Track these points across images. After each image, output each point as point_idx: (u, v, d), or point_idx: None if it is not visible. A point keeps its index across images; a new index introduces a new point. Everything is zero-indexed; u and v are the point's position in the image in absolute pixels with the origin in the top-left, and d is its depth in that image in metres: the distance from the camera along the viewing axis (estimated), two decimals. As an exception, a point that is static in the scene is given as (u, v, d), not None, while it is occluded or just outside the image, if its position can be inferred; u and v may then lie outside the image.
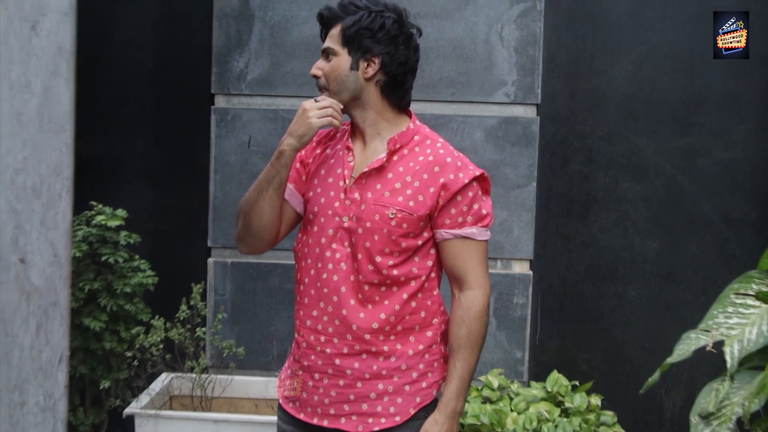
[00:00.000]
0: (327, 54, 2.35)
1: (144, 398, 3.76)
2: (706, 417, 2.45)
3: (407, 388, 2.35)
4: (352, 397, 2.34)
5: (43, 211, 1.67)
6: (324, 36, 2.38)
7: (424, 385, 2.37)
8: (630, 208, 4.45)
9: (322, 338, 2.35)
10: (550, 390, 3.88)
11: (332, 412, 2.35)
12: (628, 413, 4.31)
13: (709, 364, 4.27)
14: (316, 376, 2.38)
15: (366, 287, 2.31)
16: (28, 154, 1.61)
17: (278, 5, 4.32)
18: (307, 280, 2.39)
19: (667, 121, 4.43)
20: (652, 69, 4.44)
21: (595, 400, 3.82)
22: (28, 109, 1.59)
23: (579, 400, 3.78)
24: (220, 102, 4.39)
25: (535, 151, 4.29)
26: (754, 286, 2.71)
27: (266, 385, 4.14)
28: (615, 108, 4.46)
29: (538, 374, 4.39)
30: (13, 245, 1.66)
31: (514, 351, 4.32)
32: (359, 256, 2.30)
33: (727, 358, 2.53)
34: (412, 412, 2.34)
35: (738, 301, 2.71)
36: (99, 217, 3.96)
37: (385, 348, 2.33)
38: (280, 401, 2.49)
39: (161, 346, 3.92)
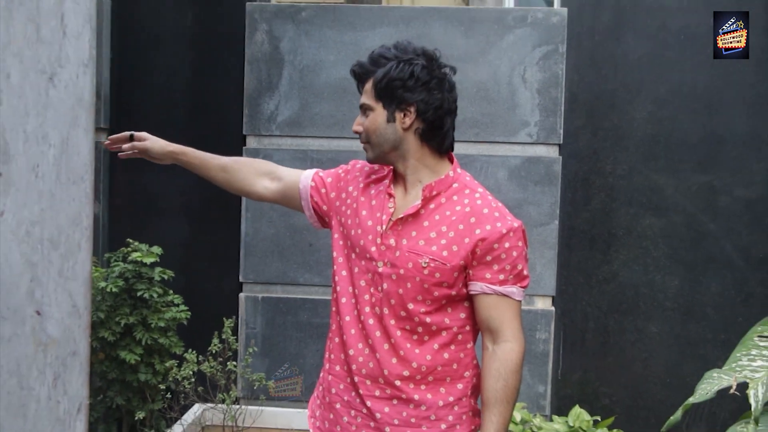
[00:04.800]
0: (364, 110, 2.24)
1: (177, 429, 3.72)
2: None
3: None
4: None
5: (61, 261, 1.58)
6: (360, 90, 2.27)
7: None
8: (650, 244, 4.32)
9: (356, 378, 2.25)
10: (572, 424, 3.75)
11: None
12: (650, 447, 4.17)
13: (731, 400, 4.13)
14: (352, 412, 2.27)
15: (398, 333, 2.19)
16: (45, 206, 1.51)
17: (307, 50, 4.26)
18: (348, 318, 2.28)
19: (688, 160, 4.31)
20: (672, 109, 4.33)
21: (617, 436, 3.69)
22: (44, 161, 1.49)
23: (601, 435, 3.65)
24: (251, 143, 4.33)
25: (558, 189, 4.17)
26: (777, 328, 2.58)
27: (295, 416, 4.06)
28: (636, 146, 4.34)
29: (560, 408, 4.26)
30: (29, 298, 1.56)
31: (536, 385, 4.18)
32: (392, 301, 2.19)
33: (752, 401, 2.40)
34: (437, 463, 2.22)
35: (762, 344, 2.58)
36: (135, 254, 3.91)
37: (416, 396, 2.21)
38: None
39: (194, 379, 3.87)
